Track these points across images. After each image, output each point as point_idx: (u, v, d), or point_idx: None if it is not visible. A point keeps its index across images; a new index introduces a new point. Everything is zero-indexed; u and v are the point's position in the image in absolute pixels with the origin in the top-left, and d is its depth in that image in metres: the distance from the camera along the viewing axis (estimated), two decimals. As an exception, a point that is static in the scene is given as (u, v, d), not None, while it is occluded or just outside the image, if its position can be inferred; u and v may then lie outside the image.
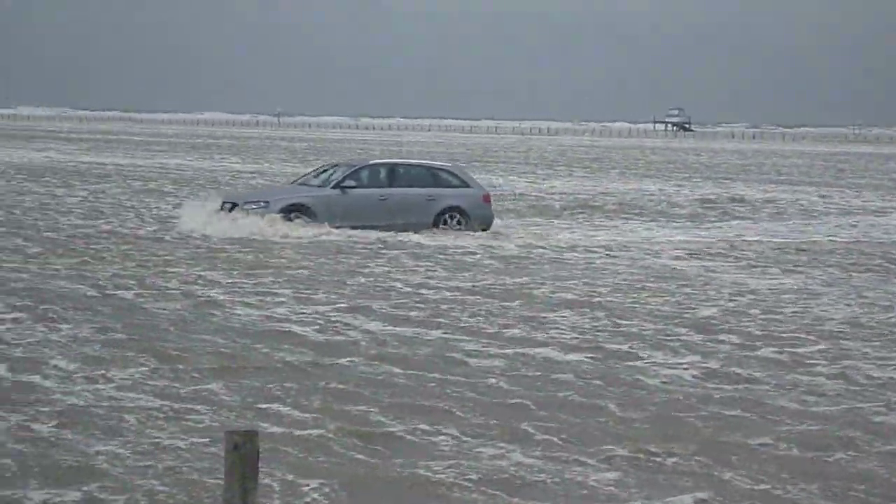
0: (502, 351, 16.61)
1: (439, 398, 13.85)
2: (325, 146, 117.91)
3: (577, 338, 17.83)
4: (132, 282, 22.28)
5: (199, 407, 13.17)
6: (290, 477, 10.76)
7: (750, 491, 10.83)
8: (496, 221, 33.64)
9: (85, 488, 10.40)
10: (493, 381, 14.77)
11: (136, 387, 14.03)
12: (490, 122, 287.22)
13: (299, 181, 34.96)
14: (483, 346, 16.90)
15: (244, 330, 17.71)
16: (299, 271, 24.45)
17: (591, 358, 16.36)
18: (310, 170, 41.12)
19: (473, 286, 22.92)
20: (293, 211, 31.10)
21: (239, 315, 18.98)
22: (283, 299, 20.73)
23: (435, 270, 25.37)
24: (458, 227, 32.02)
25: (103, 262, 25.15)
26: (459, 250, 28.95)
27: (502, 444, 12.01)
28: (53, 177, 55.91)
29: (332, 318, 18.94)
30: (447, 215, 32.24)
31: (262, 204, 31.35)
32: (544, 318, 19.49)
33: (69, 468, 10.96)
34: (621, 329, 18.63)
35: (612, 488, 10.80)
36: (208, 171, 65.52)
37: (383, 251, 28.37)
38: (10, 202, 40.41)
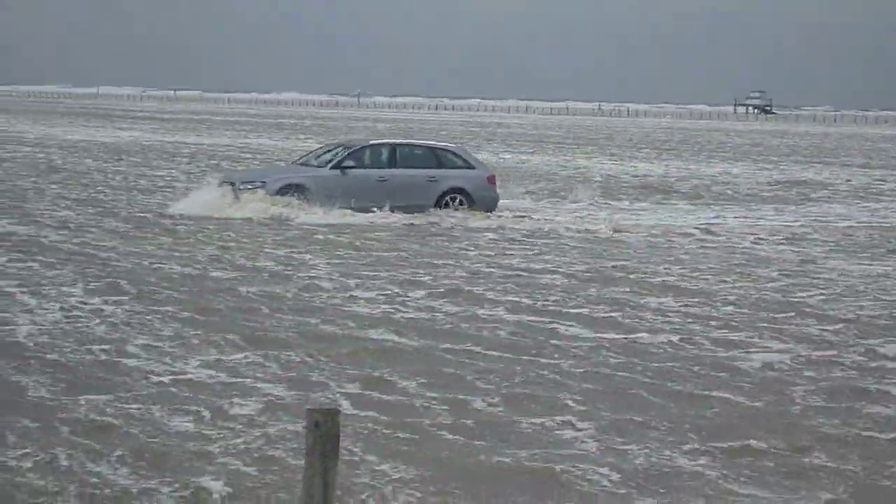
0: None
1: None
2: (406, 126, 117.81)
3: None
4: (248, 263, 22.21)
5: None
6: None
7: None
8: (576, 205, 33.06)
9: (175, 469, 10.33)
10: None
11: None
12: (567, 104, 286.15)
13: (300, 161, 34.39)
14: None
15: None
16: (391, 254, 24.28)
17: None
18: (316, 147, 40.72)
19: (584, 271, 22.57)
20: (290, 191, 30.44)
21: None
22: (419, 292, 20.53)
23: (534, 251, 25.11)
24: (460, 209, 31.24)
25: (200, 243, 25.06)
26: (546, 232, 28.79)
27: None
28: (139, 156, 56.17)
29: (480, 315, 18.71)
30: (449, 197, 31.50)
31: (258, 183, 30.77)
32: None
33: (155, 451, 10.89)
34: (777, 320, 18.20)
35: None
36: (290, 150, 65.53)
37: (470, 234, 28.15)
38: (100, 180, 40.61)
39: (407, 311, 17.85)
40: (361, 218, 29.64)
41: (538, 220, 31.78)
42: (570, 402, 12.92)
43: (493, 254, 24.87)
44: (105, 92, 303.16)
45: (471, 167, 32.36)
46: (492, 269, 22.49)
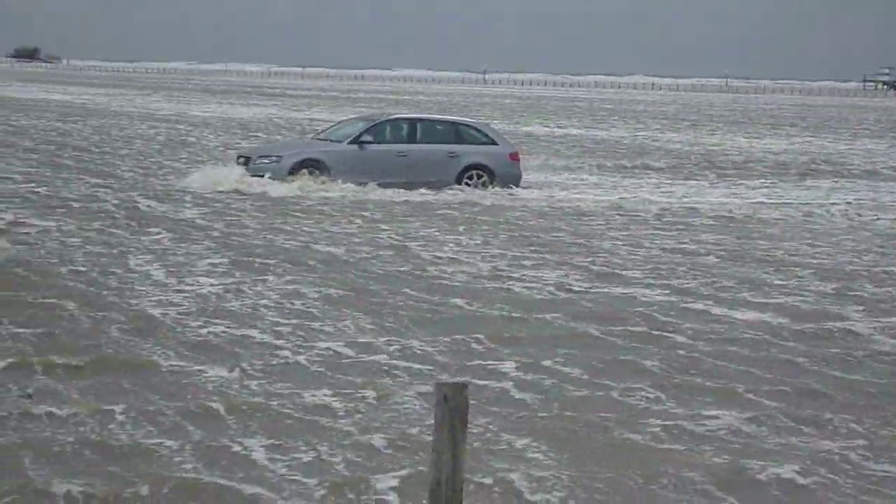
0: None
1: None
2: (533, 103, 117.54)
3: None
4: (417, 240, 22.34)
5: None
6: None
7: None
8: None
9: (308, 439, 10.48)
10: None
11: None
12: (695, 80, 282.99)
13: (319, 136, 34.00)
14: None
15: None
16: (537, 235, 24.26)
17: None
18: (340, 120, 40.24)
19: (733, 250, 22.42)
20: (306, 167, 30.01)
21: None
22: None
23: (672, 234, 24.98)
24: (482, 185, 30.76)
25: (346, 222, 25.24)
26: (670, 210, 28.60)
27: None
28: (265, 132, 56.57)
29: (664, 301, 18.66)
30: (471, 173, 31.07)
31: (274, 158, 30.39)
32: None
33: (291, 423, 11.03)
34: None
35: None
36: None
37: (612, 215, 28.04)
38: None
39: (579, 292, 17.83)
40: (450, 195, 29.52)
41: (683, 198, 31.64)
42: None
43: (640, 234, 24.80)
44: (233, 68, 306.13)
45: (493, 143, 31.75)
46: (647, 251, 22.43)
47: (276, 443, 10.36)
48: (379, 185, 29.96)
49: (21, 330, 13.87)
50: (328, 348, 13.66)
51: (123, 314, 14.96)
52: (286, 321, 14.98)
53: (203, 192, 28.74)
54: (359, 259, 19.90)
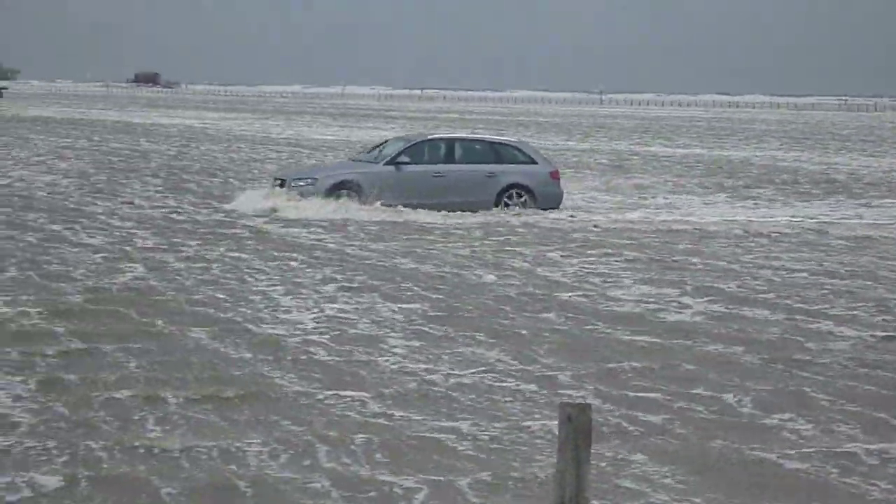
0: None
1: None
2: (651, 124, 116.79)
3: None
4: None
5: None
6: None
7: None
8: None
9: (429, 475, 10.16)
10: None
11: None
12: (813, 98, 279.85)
13: (355, 157, 33.51)
14: None
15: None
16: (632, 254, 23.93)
17: None
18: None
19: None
20: (342, 188, 29.60)
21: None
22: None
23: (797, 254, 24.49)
24: (522, 205, 30.02)
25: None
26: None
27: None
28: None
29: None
30: (510, 193, 30.26)
31: (309, 181, 29.98)
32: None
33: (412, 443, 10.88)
34: None
35: None
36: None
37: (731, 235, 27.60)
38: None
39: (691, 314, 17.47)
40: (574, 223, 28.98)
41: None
42: None
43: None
44: (350, 91, 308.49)
45: (533, 162, 30.98)
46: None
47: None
48: (413, 206, 29.43)
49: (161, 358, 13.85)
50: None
51: (252, 337, 14.92)
52: (406, 342, 14.90)
53: (251, 214, 28.64)
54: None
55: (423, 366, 13.77)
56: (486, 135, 37.86)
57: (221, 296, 17.74)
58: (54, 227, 25.64)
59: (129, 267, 20.23)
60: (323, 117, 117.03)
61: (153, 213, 28.70)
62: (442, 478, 10.00)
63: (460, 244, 24.51)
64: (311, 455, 10.51)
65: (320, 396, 12.37)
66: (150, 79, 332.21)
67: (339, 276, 19.86)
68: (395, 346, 14.74)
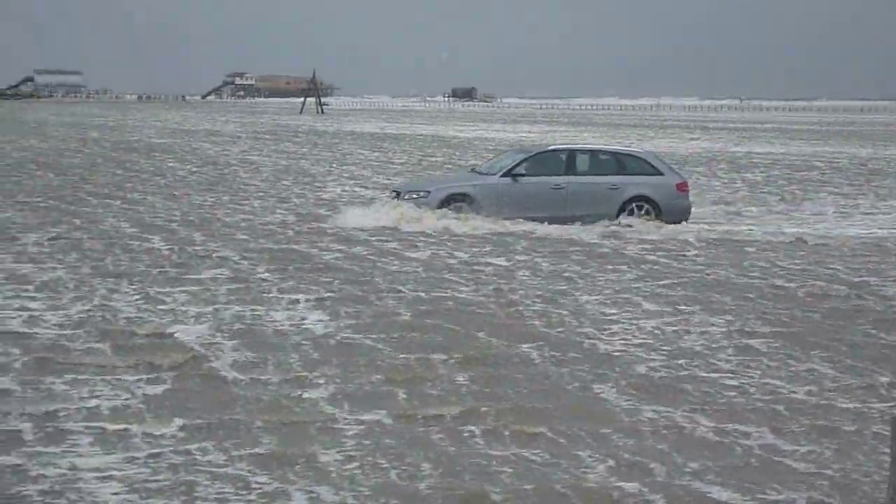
0: None
1: None
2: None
3: None
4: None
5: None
6: None
7: None
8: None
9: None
10: None
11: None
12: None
13: (472, 169, 32.57)
14: None
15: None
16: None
17: None
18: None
19: None
20: (455, 201, 28.87)
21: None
22: None
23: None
24: (646, 218, 28.76)
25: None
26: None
27: None
28: (704, 167, 55.99)
29: None
30: (634, 205, 29.01)
31: (422, 193, 29.26)
32: None
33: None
34: None
35: None
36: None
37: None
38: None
39: None
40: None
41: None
42: None
43: None
44: (665, 103, 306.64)
45: (659, 173, 29.55)
46: None
47: None
48: (527, 219, 28.60)
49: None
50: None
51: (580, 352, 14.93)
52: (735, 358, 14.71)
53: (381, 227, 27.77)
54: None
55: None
56: (611, 145, 37.02)
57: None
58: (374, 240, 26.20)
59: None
60: (644, 129, 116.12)
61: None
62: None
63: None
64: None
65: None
66: (466, 94, 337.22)
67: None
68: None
